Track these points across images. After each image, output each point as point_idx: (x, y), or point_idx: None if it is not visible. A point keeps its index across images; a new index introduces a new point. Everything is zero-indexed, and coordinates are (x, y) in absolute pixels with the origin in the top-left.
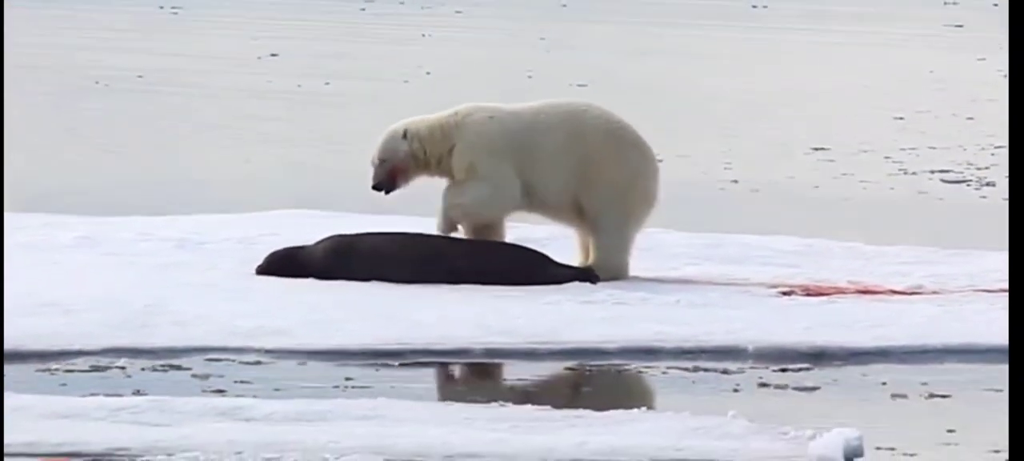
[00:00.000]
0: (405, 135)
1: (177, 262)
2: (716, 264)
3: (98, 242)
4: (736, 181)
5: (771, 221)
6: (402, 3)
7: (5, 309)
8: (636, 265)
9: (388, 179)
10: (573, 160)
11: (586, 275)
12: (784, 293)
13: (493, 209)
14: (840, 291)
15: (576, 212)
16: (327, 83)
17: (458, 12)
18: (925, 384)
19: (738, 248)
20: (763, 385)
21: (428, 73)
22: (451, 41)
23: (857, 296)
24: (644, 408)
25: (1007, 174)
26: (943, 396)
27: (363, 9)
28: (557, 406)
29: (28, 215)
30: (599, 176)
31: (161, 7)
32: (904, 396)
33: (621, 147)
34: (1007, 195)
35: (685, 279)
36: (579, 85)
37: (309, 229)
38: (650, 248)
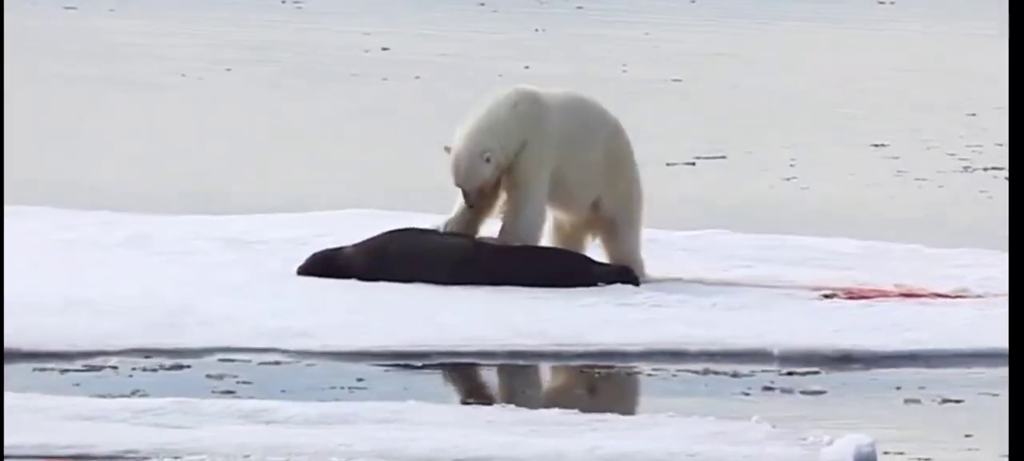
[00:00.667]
0: (488, 159)
1: (222, 262)
2: (771, 265)
3: (147, 241)
4: (796, 177)
5: (833, 223)
6: None
7: (36, 310)
8: (685, 265)
9: (479, 197)
10: (603, 154)
11: (628, 276)
12: (826, 296)
13: (543, 224)
14: (883, 294)
15: (592, 209)
16: (417, 77)
17: (579, 8)
18: (941, 388)
19: (795, 250)
20: (787, 391)
21: (526, 67)
22: (567, 37)
23: (899, 299)
24: (672, 412)
25: (1007, 174)
26: (957, 401)
27: (482, 4)
28: (585, 410)
29: (84, 213)
30: (620, 174)
31: (283, 1)
32: (917, 401)
33: (628, 144)
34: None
35: (730, 282)
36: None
37: (364, 229)
38: (704, 249)
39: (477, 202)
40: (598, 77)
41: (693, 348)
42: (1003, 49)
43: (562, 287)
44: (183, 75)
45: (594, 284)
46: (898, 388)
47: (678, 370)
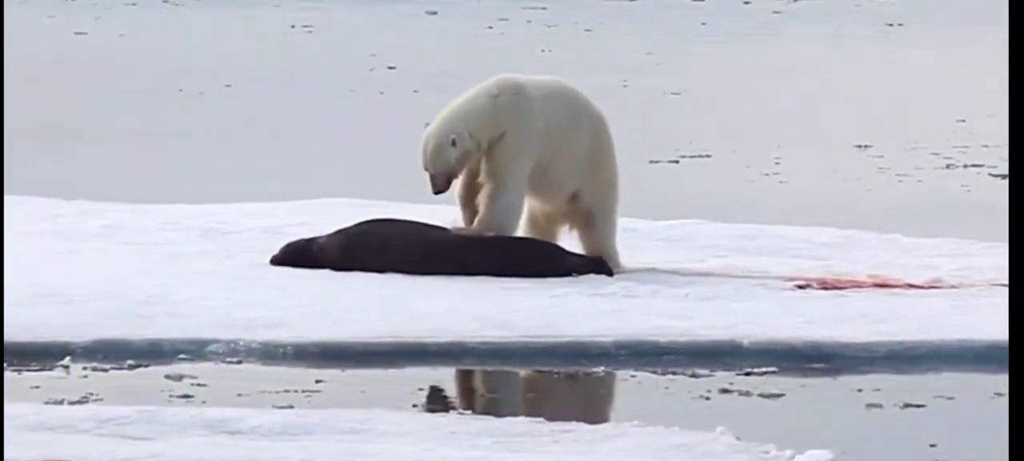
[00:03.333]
0: (454, 142)
1: (195, 251)
2: (747, 256)
3: (122, 230)
4: (778, 173)
5: (812, 214)
6: (529, 22)
7: (8, 301)
8: (661, 255)
9: (446, 184)
10: (587, 145)
11: (601, 266)
12: (800, 287)
13: (520, 215)
14: (857, 285)
15: (570, 200)
16: (415, 91)
17: (588, 30)
18: (902, 393)
19: (772, 240)
20: (744, 393)
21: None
22: (572, 56)
23: (872, 290)
24: (636, 420)
25: (1008, 174)
26: (918, 406)
27: (490, 27)
28: (549, 417)
29: (63, 202)
30: (600, 165)
31: (293, 26)
32: (879, 406)
33: (610, 136)
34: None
35: (705, 272)
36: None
37: (340, 219)
38: (682, 239)
39: (443, 189)
40: (597, 90)
41: (663, 339)
42: (999, 58)
43: (535, 277)
44: (181, 89)
45: (567, 274)
46: (859, 390)
47: (639, 368)
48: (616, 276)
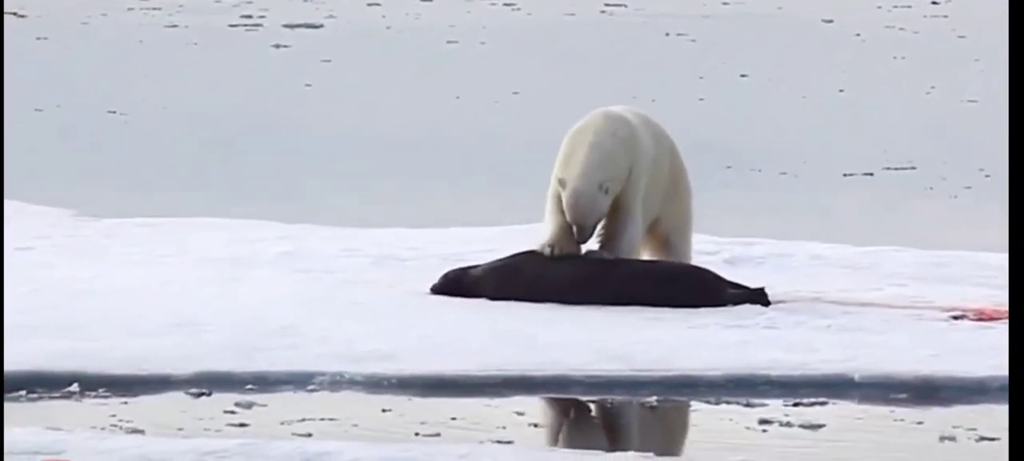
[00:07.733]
0: (607, 191)
1: (361, 279)
2: (928, 284)
3: (298, 257)
4: (970, 186)
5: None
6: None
7: (135, 330)
8: (838, 283)
9: (593, 231)
10: (667, 172)
11: (758, 297)
12: (954, 318)
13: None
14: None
15: (651, 227)
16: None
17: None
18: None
19: (966, 267)
20: (810, 426)
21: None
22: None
23: None
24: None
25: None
26: (992, 439)
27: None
28: (660, 451)
29: (265, 225)
30: (678, 191)
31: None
32: (952, 438)
33: (682, 161)
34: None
35: (868, 302)
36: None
37: (525, 245)
38: (868, 266)
39: (590, 236)
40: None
41: (774, 373)
42: None
43: (690, 307)
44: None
45: (723, 305)
46: (960, 428)
47: (738, 400)
48: (771, 306)
